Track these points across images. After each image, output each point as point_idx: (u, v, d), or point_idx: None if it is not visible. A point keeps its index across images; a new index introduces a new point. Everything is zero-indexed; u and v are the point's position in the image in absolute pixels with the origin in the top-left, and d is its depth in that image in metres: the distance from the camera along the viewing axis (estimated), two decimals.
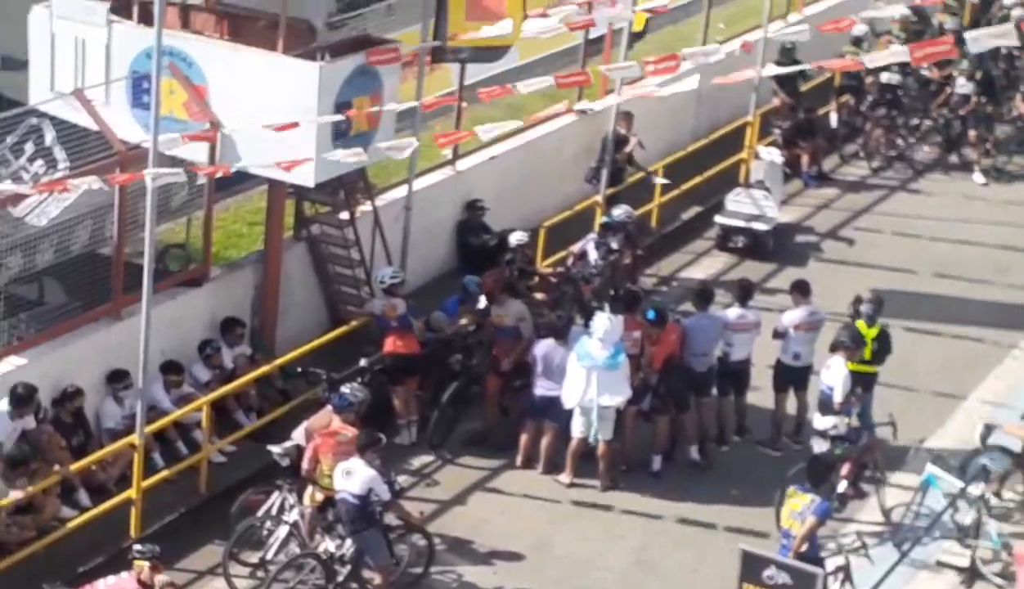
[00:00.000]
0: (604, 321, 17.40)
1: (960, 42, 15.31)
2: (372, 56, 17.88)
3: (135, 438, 15.95)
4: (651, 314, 18.18)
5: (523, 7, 19.20)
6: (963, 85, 26.29)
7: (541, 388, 17.90)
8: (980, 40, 15.88)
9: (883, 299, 18.56)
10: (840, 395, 17.07)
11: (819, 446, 17.09)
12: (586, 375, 17.37)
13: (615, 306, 18.29)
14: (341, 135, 17.42)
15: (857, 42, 26.55)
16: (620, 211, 21.35)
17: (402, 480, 16.96)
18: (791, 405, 18.72)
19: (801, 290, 18.71)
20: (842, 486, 17.22)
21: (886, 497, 17.39)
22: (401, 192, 20.28)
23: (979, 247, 24.06)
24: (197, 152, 17.43)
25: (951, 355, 20.97)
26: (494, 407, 18.50)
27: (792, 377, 18.56)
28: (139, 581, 13.75)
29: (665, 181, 23.10)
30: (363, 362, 17.89)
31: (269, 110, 16.93)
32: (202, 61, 17.47)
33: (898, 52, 17.68)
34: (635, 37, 22.30)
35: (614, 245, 20.89)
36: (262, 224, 19.58)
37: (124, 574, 13.84)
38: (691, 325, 18.37)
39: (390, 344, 18.26)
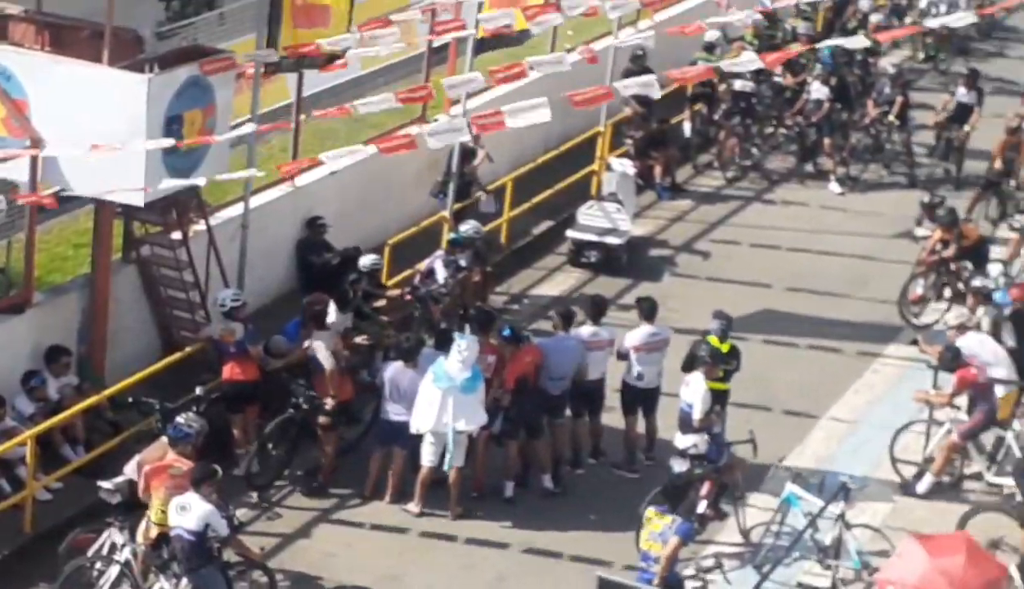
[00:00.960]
0: (467, 341, 16.89)
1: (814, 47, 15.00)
2: (206, 66, 17.21)
3: None
4: (506, 331, 17.75)
5: (349, 14, 18.54)
6: (817, 89, 26.07)
7: (390, 413, 17.34)
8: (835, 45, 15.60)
9: (729, 315, 18.16)
10: (699, 412, 16.84)
11: (678, 466, 16.79)
12: (441, 398, 16.84)
13: (472, 327, 17.75)
14: (172, 151, 16.80)
15: (709, 48, 26.25)
16: (468, 227, 20.83)
17: (241, 514, 16.33)
18: (642, 425, 18.33)
19: (643, 310, 18.30)
20: (702, 506, 16.86)
21: (746, 517, 17.12)
22: (237, 210, 19.59)
23: (837, 258, 23.88)
24: (17, 170, 16.79)
25: (810, 370, 20.73)
26: (327, 442, 17.68)
27: (638, 398, 18.20)
28: None
29: (491, 207, 22.42)
30: (199, 390, 17.25)
31: (95, 125, 16.40)
32: (21, 74, 16.90)
33: (752, 59, 17.39)
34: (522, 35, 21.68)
35: (463, 262, 20.39)
36: (88, 246, 18.78)
37: None
38: (551, 347, 17.86)
39: (228, 371, 17.61)
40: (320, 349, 17.40)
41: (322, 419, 17.37)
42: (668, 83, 26.53)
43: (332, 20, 18.48)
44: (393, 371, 17.34)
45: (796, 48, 27.77)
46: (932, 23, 19.04)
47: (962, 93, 26.30)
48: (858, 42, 15.99)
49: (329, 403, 17.33)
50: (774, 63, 17.71)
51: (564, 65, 16.20)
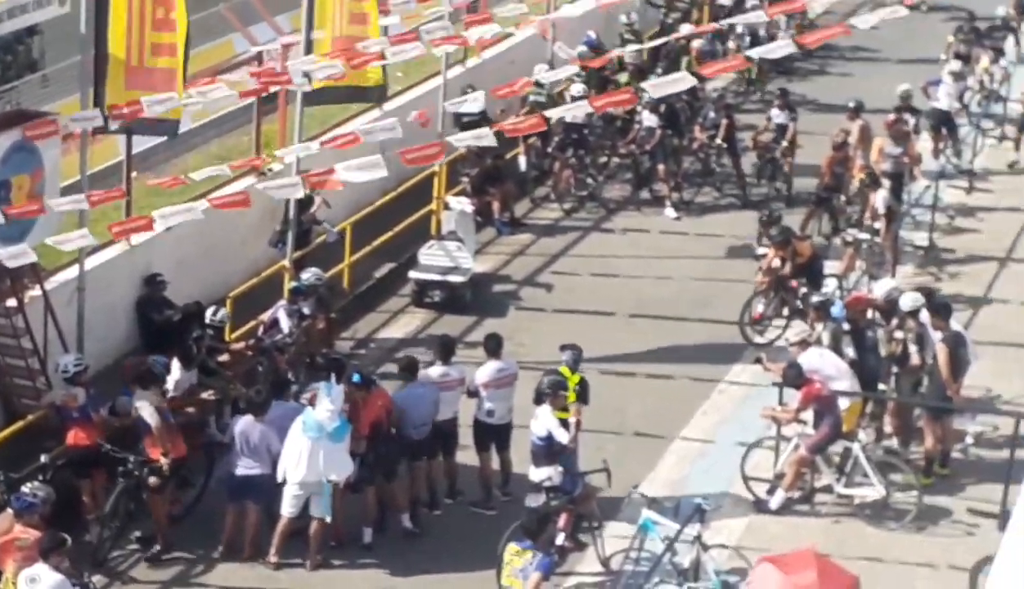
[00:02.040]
0: (335, 390, 16.74)
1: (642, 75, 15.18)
2: (28, 131, 16.88)
3: None
4: (356, 378, 17.55)
5: (183, 75, 18.31)
6: (648, 117, 26.34)
7: (241, 467, 17.09)
8: (660, 87, 15.94)
9: (579, 346, 18.17)
10: (562, 436, 16.87)
11: (534, 500, 16.80)
12: (311, 447, 16.66)
13: (322, 375, 17.53)
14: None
15: (539, 85, 26.37)
16: (309, 274, 20.67)
17: (97, 580, 15.94)
18: (497, 461, 18.27)
19: (488, 347, 18.31)
20: (560, 538, 16.83)
21: (604, 546, 17.12)
22: (72, 273, 19.21)
23: (678, 282, 24.09)
24: None
25: (657, 395, 20.84)
26: (157, 505, 17.27)
27: (490, 434, 18.15)
28: None
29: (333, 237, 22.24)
30: (44, 458, 16.85)
31: None
32: None
33: (580, 105, 17.65)
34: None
35: (306, 310, 20.21)
36: None
37: None
38: (405, 399, 17.74)
39: (72, 437, 17.24)
40: (144, 408, 17.03)
41: (152, 480, 16.95)
42: (500, 119, 26.78)
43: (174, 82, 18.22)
44: (243, 425, 17.12)
45: (624, 77, 28.16)
46: (752, 53, 19.43)
47: (776, 113, 26.79)
48: (684, 84, 16.34)
49: (163, 462, 16.98)
50: (602, 107, 18.10)
51: (397, 132, 16.33)
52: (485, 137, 17.17)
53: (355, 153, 17.02)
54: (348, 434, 16.87)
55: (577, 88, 26.48)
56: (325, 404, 16.70)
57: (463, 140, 17.04)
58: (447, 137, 17.47)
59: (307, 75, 19.51)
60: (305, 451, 16.70)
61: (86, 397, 17.33)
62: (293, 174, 21.37)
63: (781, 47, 16.76)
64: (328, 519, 16.95)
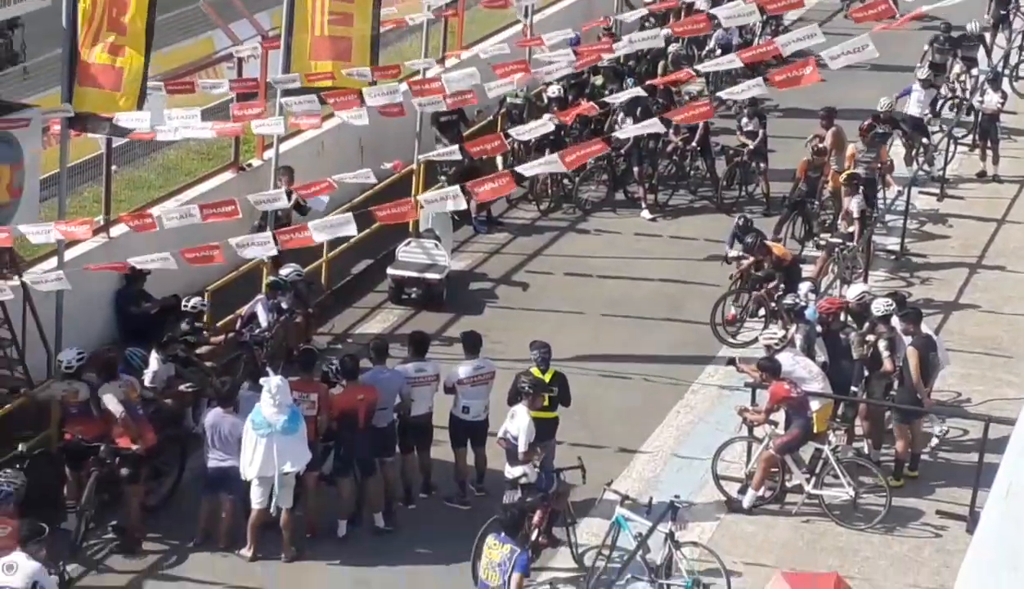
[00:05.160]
0: (274, 383, 16.76)
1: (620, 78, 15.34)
2: (7, 123, 16.90)
3: None
4: (332, 365, 17.78)
5: (143, 83, 18.33)
6: (623, 120, 26.46)
7: (212, 459, 17.21)
8: (733, 93, 16.34)
9: (548, 344, 18.28)
10: (523, 444, 16.95)
11: (510, 497, 16.90)
12: (265, 442, 16.72)
13: (289, 368, 17.51)
14: None
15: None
16: (288, 269, 20.77)
17: (72, 569, 16.04)
18: (471, 457, 18.36)
19: (466, 344, 18.43)
20: (535, 534, 16.94)
21: (578, 542, 17.21)
22: (51, 263, 19.16)
23: (652, 283, 24.22)
24: None
25: (632, 395, 20.97)
26: (132, 495, 17.31)
27: (466, 431, 18.24)
28: None
29: (321, 206, 22.24)
30: (21, 447, 16.92)
31: None
32: None
33: (549, 120, 18.01)
34: None
35: (284, 305, 20.29)
36: None
37: None
38: (370, 379, 17.81)
39: (71, 430, 17.26)
40: (110, 400, 17.07)
41: (124, 470, 17.05)
42: (479, 119, 26.89)
43: (123, 84, 18.17)
44: (213, 417, 17.21)
45: (599, 80, 28.26)
46: (723, 94, 19.95)
47: (745, 122, 26.98)
48: (755, 90, 16.81)
49: (135, 448, 17.02)
50: (571, 118, 18.40)
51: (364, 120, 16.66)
52: (454, 154, 17.62)
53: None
54: (301, 425, 16.84)
55: (553, 89, 26.62)
56: (268, 400, 16.75)
57: (434, 156, 17.30)
58: (421, 155, 17.87)
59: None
60: (259, 447, 16.76)
61: (89, 392, 17.33)
62: (272, 170, 21.65)
63: (751, 87, 17.01)
64: (290, 508, 16.97)
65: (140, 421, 17.24)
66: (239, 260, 21.74)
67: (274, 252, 17.50)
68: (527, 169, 17.87)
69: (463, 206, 17.42)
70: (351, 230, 16.81)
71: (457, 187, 16.98)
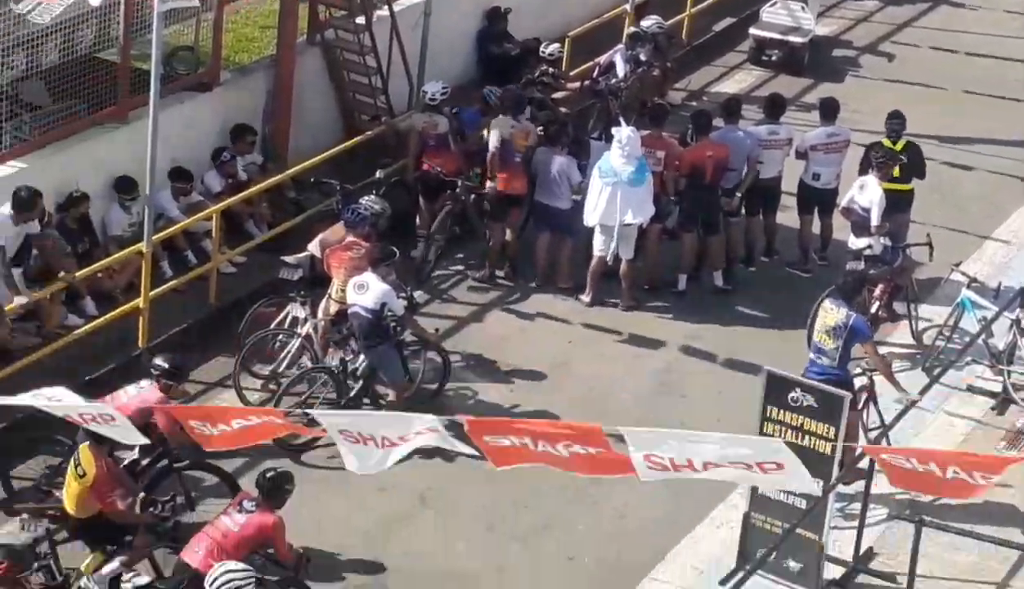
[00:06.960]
0: (625, 133, 16.77)
1: None
2: None
3: (142, 246, 15.42)
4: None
5: None
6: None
7: (537, 195, 17.43)
8: None
9: (903, 114, 17.75)
10: (876, 217, 16.60)
11: (853, 267, 16.50)
12: (610, 192, 16.80)
13: (640, 121, 17.52)
14: None
15: None
16: (650, 21, 20.68)
17: (418, 295, 16.51)
18: (817, 226, 18.15)
19: (824, 109, 18.07)
20: (875, 307, 16.73)
21: (918, 320, 16.93)
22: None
23: (1019, 64, 23.19)
24: None
25: (988, 178, 20.26)
26: (492, 230, 17.61)
27: (814, 198, 17.97)
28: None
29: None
30: (379, 174, 17.39)
31: None
32: None
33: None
34: None
35: (643, 57, 20.20)
36: (274, 28, 18.86)
37: (144, 383, 13.26)
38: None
39: (426, 162, 17.64)
40: (493, 136, 17.36)
41: (486, 205, 17.40)
42: None
43: None
44: (540, 155, 17.37)
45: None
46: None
47: None
48: None
49: (488, 187, 17.33)
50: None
51: None
52: None
53: None
54: (647, 178, 16.81)
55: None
56: (617, 149, 16.76)
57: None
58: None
59: None
60: (604, 194, 16.81)
61: (448, 127, 17.66)
62: None
63: None
64: (630, 259, 17.07)
65: (511, 166, 17.40)
66: (601, 8, 21.77)
67: None
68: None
69: None
70: None
71: None
